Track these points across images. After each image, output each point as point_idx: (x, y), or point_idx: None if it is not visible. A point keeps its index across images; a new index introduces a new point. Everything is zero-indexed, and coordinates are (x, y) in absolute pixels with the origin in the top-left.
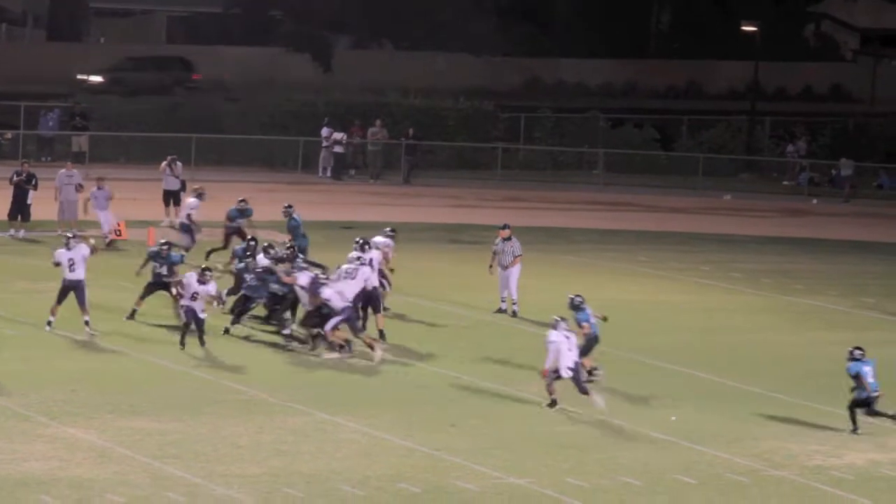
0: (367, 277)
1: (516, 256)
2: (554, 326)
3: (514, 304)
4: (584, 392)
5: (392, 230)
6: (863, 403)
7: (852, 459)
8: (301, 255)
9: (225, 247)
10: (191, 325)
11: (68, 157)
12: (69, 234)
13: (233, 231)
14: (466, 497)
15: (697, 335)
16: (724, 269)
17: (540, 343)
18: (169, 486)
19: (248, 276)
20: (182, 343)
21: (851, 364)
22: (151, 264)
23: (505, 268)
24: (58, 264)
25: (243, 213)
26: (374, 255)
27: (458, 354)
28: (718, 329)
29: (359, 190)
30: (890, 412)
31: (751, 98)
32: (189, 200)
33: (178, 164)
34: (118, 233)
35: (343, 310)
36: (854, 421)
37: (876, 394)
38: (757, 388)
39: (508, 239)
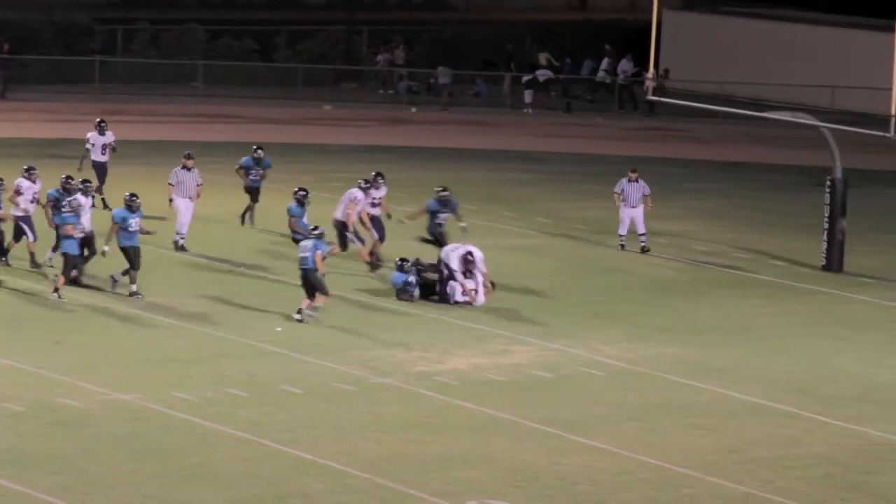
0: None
1: (198, 185)
2: None
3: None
4: None
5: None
6: None
7: (455, 365)
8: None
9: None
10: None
11: None
12: None
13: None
14: (71, 414)
15: None
16: (325, 178)
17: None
18: None
19: None
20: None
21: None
22: None
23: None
24: None
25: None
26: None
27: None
28: None
29: None
30: None
31: (349, 7)
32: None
33: None
34: None
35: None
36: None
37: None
38: (362, 297)
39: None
